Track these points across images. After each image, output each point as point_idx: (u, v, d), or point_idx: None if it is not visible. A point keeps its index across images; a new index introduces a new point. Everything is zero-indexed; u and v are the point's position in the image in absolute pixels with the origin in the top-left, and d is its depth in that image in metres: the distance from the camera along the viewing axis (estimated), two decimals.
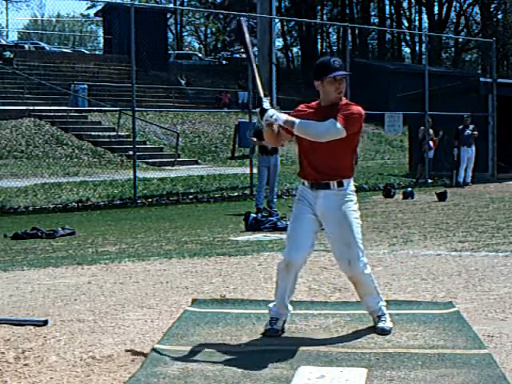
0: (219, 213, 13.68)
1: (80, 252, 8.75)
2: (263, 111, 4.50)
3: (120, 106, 23.71)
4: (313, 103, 4.77)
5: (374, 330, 4.72)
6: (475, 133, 19.18)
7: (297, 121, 4.50)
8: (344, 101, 4.64)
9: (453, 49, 57.69)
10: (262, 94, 4.58)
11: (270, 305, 4.80)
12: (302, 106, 4.78)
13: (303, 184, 4.73)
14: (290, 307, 4.81)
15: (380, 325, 4.71)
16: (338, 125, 4.45)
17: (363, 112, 4.61)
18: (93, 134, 26.01)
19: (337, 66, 4.58)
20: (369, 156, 29.14)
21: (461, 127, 19.20)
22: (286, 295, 4.72)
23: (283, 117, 4.52)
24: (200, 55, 50.35)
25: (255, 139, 13.31)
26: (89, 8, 59.67)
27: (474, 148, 19.23)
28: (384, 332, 4.65)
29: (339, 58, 4.70)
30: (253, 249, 8.59)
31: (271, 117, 4.49)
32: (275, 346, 4.47)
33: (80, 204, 14.93)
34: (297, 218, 4.71)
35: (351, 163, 4.71)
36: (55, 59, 35.68)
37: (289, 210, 11.83)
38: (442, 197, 15.03)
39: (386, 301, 5.40)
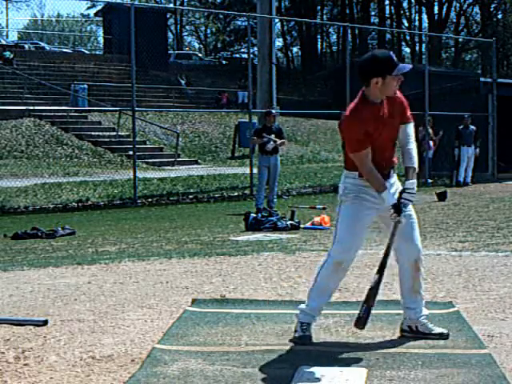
0: (219, 213, 13.68)
1: (80, 252, 8.75)
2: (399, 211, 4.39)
3: (120, 105, 23.72)
4: (364, 105, 4.42)
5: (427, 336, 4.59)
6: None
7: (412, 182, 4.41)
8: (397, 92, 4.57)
9: (453, 49, 57.72)
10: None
11: (303, 307, 4.57)
12: (364, 114, 4.38)
13: (360, 176, 4.45)
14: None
15: (439, 330, 4.58)
16: (413, 127, 4.58)
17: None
18: (93, 134, 26.02)
19: (396, 60, 4.45)
20: None
21: (461, 127, 19.22)
22: (330, 296, 4.63)
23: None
24: (200, 55, 50.34)
25: (255, 138, 13.30)
26: (89, 8, 59.77)
27: (473, 148, 19.25)
28: (446, 336, 4.54)
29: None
30: (253, 249, 8.59)
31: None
32: (275, 345, 4.47)
33: (80, 204, 14.94)
34: (358, 217, 4.49)
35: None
36: (55, 59, 35.70)
37: (289, 210, 11.84)
38: (442, 197, 15.03)
39: (386, 301, 5.41)
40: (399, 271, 4.64)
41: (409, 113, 4.61)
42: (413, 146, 4.53)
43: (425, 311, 4.63)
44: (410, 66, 4.53)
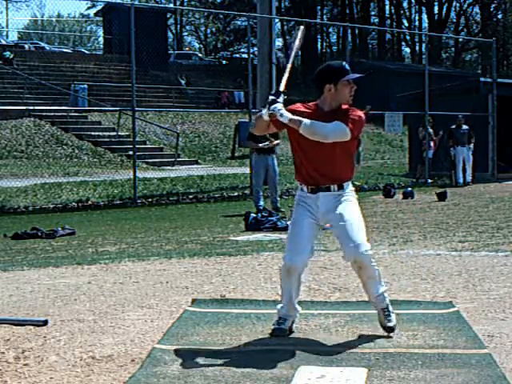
0: (219, 213, 13.68)
1: (80, 252, 8.75)
2: (273, 102, 4.48)
3: (120, 105, 23.72)
4: (310, 104, 4.74)
5: (380, 326, 4.69)
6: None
7: (304, 120, 4.49)
8: (346, 105, 4.66)
9: (453, 49, 57.72)
10: (281, 89, 4.57)
11: (279, 306, 4.79)
12: (298, 106, 4.73)
13: (302, 190, 4.74)
14: (299, 308, 4.80)
15: (388, 324, 4.66)
16: (345, 127, 4.50)
17: (364, 118, 4.67)
18: (93, 134, 26.03)
19: (349, 69, 4.65)
20: (369, 156, 29.14)
21: (454, 127, 19.21)
22: (292, 297, 4.71)
23: (289, 115, 4.50)
24: (200, 55, 50.33)
25: (252, 142, 13.28)
26: (89, 8, 59.84)
27: (467, 147, 19.21)
28: (390, 330, 4.63)
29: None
30: (253, 249, 8.59)
31: (278, 110, 4.46)
32: (275, 345, 4.47)
33: (80, 204, 14.93)
34: (296, 222, 4.71)
35: (351, 166, 4.76)
36: (55, 59, 35.68)
37: (288, 210, 11.86)
38: (442, 197, 15.03)
39: None
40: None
41: (348, 117, 4.54)
42: (323, 124, 4.49)
43: (386, 302, 4.72)
44: (360, 74, 4.69)
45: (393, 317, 4.72)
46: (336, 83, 4.59)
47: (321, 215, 4.65)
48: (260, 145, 12.82)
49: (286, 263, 4.64)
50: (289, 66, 4.75)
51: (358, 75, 4.66)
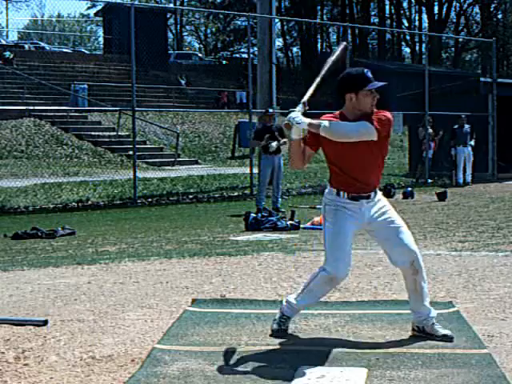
0: (219, 213, 13.68)
1: (80, 252, 8.75)
2: (290, 112, 4.39)
3: (120, 105, 23.72)
4: (336, 113, 4.59)
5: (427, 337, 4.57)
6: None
7: (323, 122, 4.38)
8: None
9: (453, 49, 57.74)
10: (303, 99, 4.49)
11: (291, 298, 4.70)
12: (326, 116, 4.58)
13: (337, 195, 4.53)
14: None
15: (443, 333, 4.54)
16: (370, 125, 4.37)
17: (392, 118, 4.53)
18: (93, 134, 26.02)
19: (371, 77, 4.49)
20: None
21: (456, 127, 19.21)
22: (315, 302, 4.70)
23: (306, 120, 4.37)
24: (200, 55, 50.35)
25: (254, 141, 13.28)
26: (89, 8, 59.98)
27: (469, 147, 19.21)
28: (450, 337, 4.50)
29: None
30: (253, 249, 8.59)
31: (293, 118, 4.34)
32: (275, 345, 4.47)
33: (80, 204, 14.92)
34: (341, 231, 4.49)
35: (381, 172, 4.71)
36: (55, 59, 35.70)
37: (288, 210, 11.86)
38: (442, 197, 15.04)
39: (386, 301, 5.42)
40: (403, 276, 4.66)
41: (377, 121, 4.41)
42: (344, 123, 4.43)
43: (433, 313, 4.61)
44: (383, 83, 4.51)
45: (440, 326, 4.60)
46: (357, 92, 4.43)
47: (366, 222, 4.54)
48: (269, 146, 12.80)
49: (331, 273, 4.49)
50: (318, 79, 4.64)
51: (379, 84, 4.47)
